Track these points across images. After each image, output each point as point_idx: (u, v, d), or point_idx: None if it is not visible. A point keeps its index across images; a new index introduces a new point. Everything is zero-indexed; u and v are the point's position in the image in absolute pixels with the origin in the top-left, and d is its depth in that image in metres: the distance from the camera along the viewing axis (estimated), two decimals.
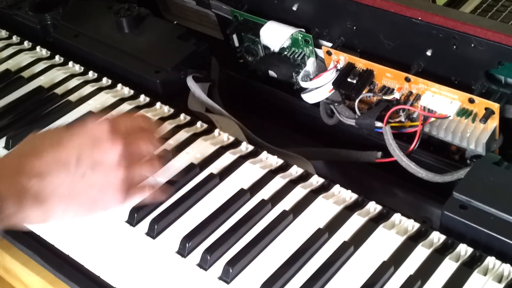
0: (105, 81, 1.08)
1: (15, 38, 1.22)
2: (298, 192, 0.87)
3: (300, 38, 1.00)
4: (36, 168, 0.73)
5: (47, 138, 0.77)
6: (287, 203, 0.85)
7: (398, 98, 0.91)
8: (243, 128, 1.00)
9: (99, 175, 0.76)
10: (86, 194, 0.76)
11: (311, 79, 0.98)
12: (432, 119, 0.88)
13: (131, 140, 0.78)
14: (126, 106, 1.02)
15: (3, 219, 0.70)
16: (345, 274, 0.77)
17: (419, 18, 0.86)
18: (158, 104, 1.02)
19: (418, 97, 0.90)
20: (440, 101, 0.88)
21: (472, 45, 0.84)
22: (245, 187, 0.88)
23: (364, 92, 0.93)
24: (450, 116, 0.87)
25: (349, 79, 0.94)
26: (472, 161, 0.89)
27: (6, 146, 0.97)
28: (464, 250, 0.78)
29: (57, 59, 1.15)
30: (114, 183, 0.77)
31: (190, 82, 1.04)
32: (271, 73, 1.05)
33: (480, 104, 0.85)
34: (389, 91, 0.92)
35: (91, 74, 1.10)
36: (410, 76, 0.89)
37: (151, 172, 0.83)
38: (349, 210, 0.84)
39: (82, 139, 0.76)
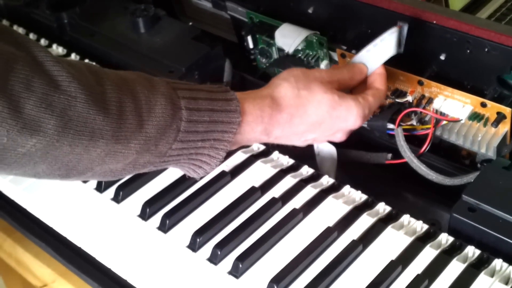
0: None
1: (32, 36, 1.23)
2: (309, 192, 0.87)
3: (314, 40, 1.00)
4: (280, 134, 0.81)
5: (318, 109, 0.82)
6: (297, 202, 0.86)
7: (411, 101, 0.92)
8: None
9: (308, 142, 0.87)
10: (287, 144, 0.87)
11: None
12: (444, 122, 0.89)
13: None
14: None
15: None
16: (354, 272, 0.78)
17: (434, 22, 0.87)
18: None
19: (430, 100, 0.90)
20: (452, 104, 0.89)
21: (486, 50, 0.84)
22: (256, 185, 0.88)
23: None
24: (462, 120, 0.88)
25: None
26: (482, 165, 0.90)
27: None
28: (471, 252, 0.78)
29: (73, 57, 1.16)
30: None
31: None
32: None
33: (492, 108, 0.86)
34: (402, 94, 0.93)
35: None
36: (423, 79, 0.90)
37: None
38: (358, 210, 0.85)
39: (332, 128, 0.84)
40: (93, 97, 0.66)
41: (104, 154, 0.67)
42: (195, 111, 0.73)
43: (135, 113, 0.69)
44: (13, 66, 0.62)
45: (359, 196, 0.87)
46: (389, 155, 0.94)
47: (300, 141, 0.86)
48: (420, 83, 0.91)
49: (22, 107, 0.62)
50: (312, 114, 0.81)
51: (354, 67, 0.88)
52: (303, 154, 0.94)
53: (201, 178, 0.82)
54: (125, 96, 0.69)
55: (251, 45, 1.10)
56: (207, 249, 0.81)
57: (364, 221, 0.83)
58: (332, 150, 0.94)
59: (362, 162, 0.96)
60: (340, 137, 0.87)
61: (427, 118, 0.91)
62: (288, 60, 1.05)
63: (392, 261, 0.77)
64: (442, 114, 0.89)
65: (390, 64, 0.93)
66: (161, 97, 0.71)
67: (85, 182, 0.92)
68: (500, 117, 0.86)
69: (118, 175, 0.73)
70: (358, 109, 0.83)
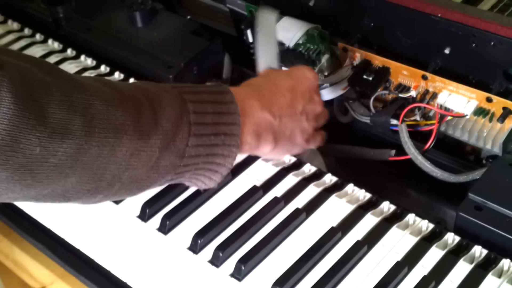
0: (118, 75, 1.07)
1: (27, 31, 1.21)
2: (312, 191, 0.86)
3: (316, 34, 0.99)
4: (278, 110, 0.82)
5: (282, 79, 0.86)
6: (300, 201, 0.85)
7: (414, 96, 0.90)
8: None
9: (307, 123, 0.87)
10: (297, 137, 0.86)
11: (326, 76, 0.97)
12: (449, 117, 0.87)
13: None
14: None
15: (242, 147, 0.79)
16: (358, 274, 0.76)
17: (439, 15, 0.85)
18: None
19: (434, 95, 0.89)
20: (457, 100, 0.87)
21: (492, 43, 0.83)
22: (258, 185, 0.87)
23: (379, 89, 0.92)
24: (467, 115, 0.86)
25: (364, 76, 0.93)
26: (488, 161, 0.88)
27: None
28: (479, 251, 0.77)
29: (69, 52, 1.14)
30: (310, 131, 0.88)
31: None
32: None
33: (498, 103, 0.84)
34: (405, 89, 0.91)
35: (103, 68, 1.09)
36: (427, 74, 0.89)
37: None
38: (362, 210, 0.83)
39: (305, 89, 0.86)
40: (109, 94, 0.68)
41: (129, 154, 0.68)
42: (198, 103, 0.74)
43: (148, 107, 0.70)
44: (27, 75, 0.62)
45: (363, 195, 0.85)
46: (393, 152, 0.92)
47: (301, 124, 0.85)
48: (424, 77, 0.89)
49: (46, 111, 0.61)
50: (281, 80, 0.85)
51: None
52: None
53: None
54: (137, 92, 0.71)
55: (250, 39, 1.09)
56: (209, 251, 0.80)
57: (369, 221, 0.81)
58: None
59: (365, 159, 0.95)
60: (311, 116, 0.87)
61: (431, 114, 0.90)
62: (289, 54, 1.04)
63: (398, 262, 0.76)
64: (446, 109, 0.88)
65: (394, 58, 0.91)
66: (166, 94, 0.73)
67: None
68: (506, 112, 0.84)
69: (144, 185, 0.72)
70: (304, 67, 0.89)
